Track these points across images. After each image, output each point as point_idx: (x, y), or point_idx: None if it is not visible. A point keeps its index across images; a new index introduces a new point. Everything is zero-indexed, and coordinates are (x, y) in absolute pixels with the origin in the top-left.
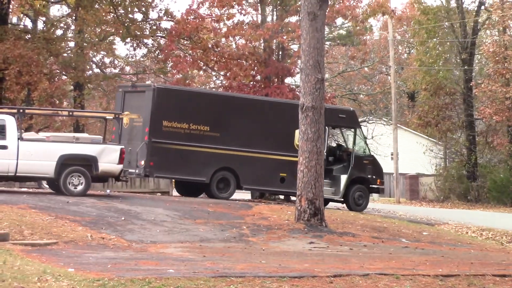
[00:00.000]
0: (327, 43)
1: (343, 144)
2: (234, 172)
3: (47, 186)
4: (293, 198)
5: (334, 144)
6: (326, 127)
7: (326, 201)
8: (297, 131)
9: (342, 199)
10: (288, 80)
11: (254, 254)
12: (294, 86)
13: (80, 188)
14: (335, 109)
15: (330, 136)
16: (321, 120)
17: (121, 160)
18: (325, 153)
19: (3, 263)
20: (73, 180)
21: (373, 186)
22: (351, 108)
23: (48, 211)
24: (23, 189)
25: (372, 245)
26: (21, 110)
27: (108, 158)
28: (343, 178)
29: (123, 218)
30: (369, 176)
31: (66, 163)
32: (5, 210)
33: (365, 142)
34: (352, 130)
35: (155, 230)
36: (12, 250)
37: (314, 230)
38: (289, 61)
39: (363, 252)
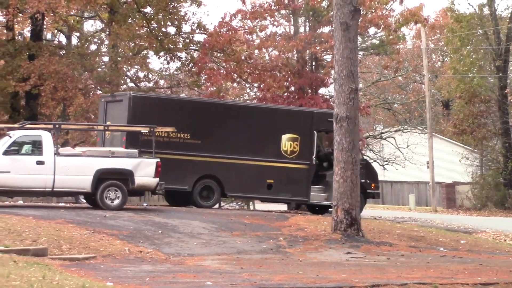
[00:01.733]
0: (360, 52)
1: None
2: (218, 180)
3: (84, 200)
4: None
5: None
6: (315, 132)
7: (325, 208)
8: (283, 137)
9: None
10: (321, 90)
11: (292, 265)
12: (328, 97)
13: (117, 202)
14: (324, 113)
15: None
16: (356, 130)
17: (157, 173)
18: (314, 158)
19: (42, 278)
20: (109, 194)
21: (368, 191)
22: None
23: (85, 226)
24: (60, 204)
25: (410, 254)
26: (57, 126)
27: (144, 171)
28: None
29: (160, 231)
30: (362, 180)
31: (102, 177)
32: (43, 225)
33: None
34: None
35: (192, 243)
36: (51, 265)
37: (351, 240)
38: (322, 71)
39: (400, 262)
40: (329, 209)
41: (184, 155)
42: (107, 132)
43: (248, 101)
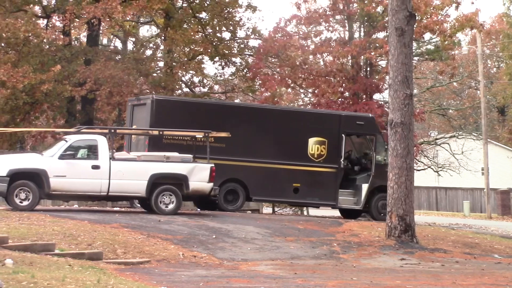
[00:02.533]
0: (415, 58)
1: (368, 152)
2: (243, 183)
3: (138, 205)
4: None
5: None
6: (343, 135)
7: (355, 213)
8: (310, 140)
9: (362, 209)
10: (376, 96)
11: (345, 271)
12: (382, 102)
13: (171, 206)
14: (353, 116)
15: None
16: (410, 136)
17: (211, 178)
18: (342, 162)
19: (97, 282)
20: (164, 199)
21: None
22: (370, 115)
23: (140, 230)
24: (115, 209)
25: (464, 261)
26: (112, 130)
27: (199, 176)
28: (364, 187)
29: (214, 236)
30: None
31: (157, 182)
32: (98, 230)
33: (386, 150)
34: (372, 137)
35: (246, 248)
36: (105, 269)
37: (405, 246)
38: (377, 77)
39: (455, 268)
40: (362, 214)
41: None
42: (133, 136)
43: (280, 105)
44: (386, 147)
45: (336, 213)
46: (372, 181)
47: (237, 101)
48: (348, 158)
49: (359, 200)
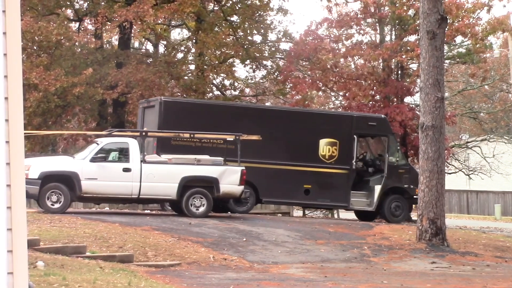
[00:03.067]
0: (447, 61)
1: (383, 153)
2: (252, 185)
3: (169, 207)
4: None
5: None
6: (355, 136)
7: (371, 215)
8: (321, 141)
9: (375, 210)
10: (407, 99)
11: (376, 274)
12: (413, 105)
13: (202, 209)
14: (365, 117)
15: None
16: (442, 139)
17: (242, 181)
18: (354, 163)
19: (128, 285)
20: (195, 201)
21: (412, 196)
22: (383, 116)
23: (171, 233)
24: (146, 211)
25: (495, 264)
26: (143, 133)
27: (229, 179)
28: (377, 189)
29: (244, 239)
30: (405, 185)
31: (188, 184)
32: (129, 232)
33: (399, 150)
34: (385, 138)
35: (277, 251)
36: (136, 271)
37: (436, 249)
38: (408, 80)
39: (486, 272)
40: (378, 216)
41: None
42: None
43: (288, 105)
44: (398, 148)
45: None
46: (385, 183)
47: (267, 104)
48: (363, 159)
49: (372, 202)
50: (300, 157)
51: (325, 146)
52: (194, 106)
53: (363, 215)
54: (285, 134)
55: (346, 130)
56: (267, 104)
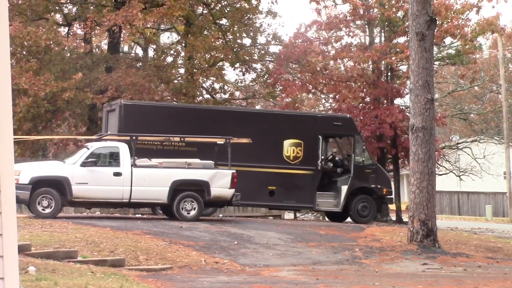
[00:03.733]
0: (436, 62)
1: (352, 154)
2: None
3: (160, 211)
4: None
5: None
6: (319, 136)
7: (341, 216)
8: (286, 142)
9: (341, 211)
10: (397, 101)
11: (367, 276)
12: (403, 107)
13: (193, 213)
14: (330, 117)
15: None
16: (432, 140)
17: (232, 185)
18: (320, 163)
19: None
20: (186, 205)
21: (380, 196)
22: (348, 115)
23: (162, 237)
24: (137, 215)
25: (487, 265)
26: (133, 137)
27: (220, 182)
28: (344, 189)
29: (236, 242)
30: (372, 185)
31: (178, 188)
32: (120, 236)
33: (366, 150)
34: (351, 138)
35: (268, 254)
36: (128, 275)
37: (427, 251)
38: (398, 82)
39: (477, 273)
40: (348, 217)
41: None
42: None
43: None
44: (364, 147)
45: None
46: (352, 183)
47: (258, 107)
48: (332, 159)
49: (339, 202)
50: (264, 159)
51: (289, 147)
52: (154, 109)
53: (333, 216)
54: (248, 135)
55: (310, 130)
56: (234, 106)
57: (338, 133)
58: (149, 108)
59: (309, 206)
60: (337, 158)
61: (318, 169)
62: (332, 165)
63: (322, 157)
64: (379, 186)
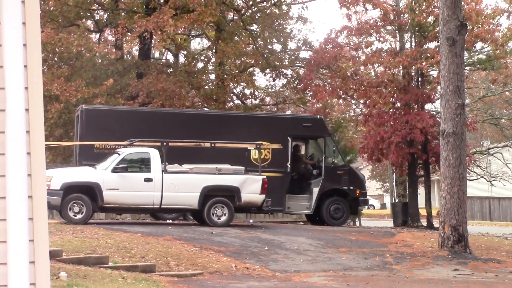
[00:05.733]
0: (467, 68)
1: (323, 155)
2: None
3: (191, 217)
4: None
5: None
6: (289, 138)
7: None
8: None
9: (312, 213)
10: (428, 106)
11: (398, 282)
12: (434, 112)
13: (223, 218)
14: (299, 118)
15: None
16: (463, 146)
17: (263, 190)
18: (289, 166)
19: None
20: (216, 211)
21: (353, 198)
22: (318, 116)
23: (193, 242)
24: (168, 221)
25: None
26: (164, 143)
27: (251, 188)
28: (315, 192)
29: (266, 248)
30: (345, 187)
31: (209, 194)
32: (151, 242)
33: (337, 151)
34: (321, 139)
35: (299, 259)
36: (159, 281)
37: (458, 257)
38: (428, 87)
39: (509, 279)
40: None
41: None
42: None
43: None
44: (334, 149)
45: (389, 223)
46: (323, 185)
47: (288, 112)
48: (312, 161)
49: (311, 205)
50: (231, 162)
51: (255, 150)
52: (115, 113)
53: (313, 219)
54: (215, 138)
55: (279, 132)
56: (206, 109)
57: (308, 134)
58: (111, 113)
59: (278, 209)
60: (314, 160)
61: (287, 172)
62: (310, 167)
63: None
64: (352, 188)
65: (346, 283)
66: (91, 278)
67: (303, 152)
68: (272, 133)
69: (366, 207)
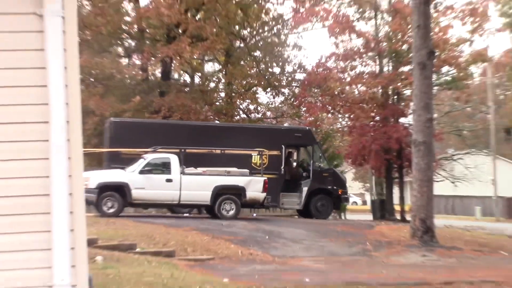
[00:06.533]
0: (435, 87)
1: (311, 160)
2: None
3: (205, 211)
4: None
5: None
6: (282, 146)
7: (307, 212)
8: (254, 151)
9: (302, 209)
10: (402, 119)
11: (376, 266)
12: (407, 125)
13: (231, 212)
14: (291, 129)
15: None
16: (431, 153)
17: (264, 189)
18: (283, 169)
19: (170, 276)
20: (225, 206)
21: (336, 196)
22: (307, 127)
23: (206, 232)
24: (185, 215)
25: (477, 257)
26: (182, 150)
27: (254, 187)
28: (304, 190)
29: (267, 237)
30: (329, 187)
31: (220, 192)
32: (172, 232)
33: (323, 157)
34: (310, 147)
35: (296, 247)
36: (177, 264)
37: (427, 245)
38: (402, 103)
39: (468, 263)
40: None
41: None
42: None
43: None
44: (321, 155)
45: (370, 217)
46: (311, 185)
47: (286, 124)
48: (300, 165)
49: (301, 202)
50: (236, 166)
51: (257, 156)
52: (139, 124)
53: (301, 213)
54: (224, 146)
55: (275, 141)
56: (216, 122)
57: (299, 143)
58: (135, 124)
59: (274, 205)
60: (304, 164)
61: (282, 174)
62: (301, 170)
63: (295, 163)
64: (335, 187)
65: (333, 266)
66: (123, 262)
67: (295, 157)
68: (269, 142)
69: (349, 203)
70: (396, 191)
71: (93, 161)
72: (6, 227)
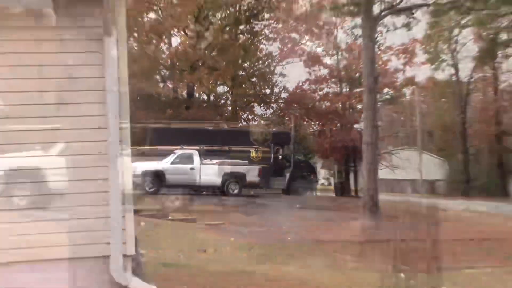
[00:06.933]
0: (379, 103)
1: (292, 155)
2: None
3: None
4: None
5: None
6: (272, 144)
7: (288, 190)
8: (251, 148)
9: (285, 189)
10: (356, 126)
11: (336, 227)
12: (360, 129)
13: (236, 191)
14: (277, 132)
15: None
16: (376, 150)
17: (259, 175)
18: (272, 161)
19: (193, 236)
20: (232, 186)
21: (310, 180)
22: (288, 131)
23: (218, 205)
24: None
25: (408, 222)
26: (201, 147)
27: (252, 174)
28: (287, 176)
29: (261, 209)
30: (305, 173)
31: (227, 177)
32: (194, 204)
33: (300, 152)
34: (290, 145)
35: (281, 214)
36: (200, 228)
37: (374, 213)
38: (356, 114)
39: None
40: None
41: None
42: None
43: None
44: (296, 152)
45: (333, 194)
46: (292, 172)
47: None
48: (284, 158)
49: (284, 184)
50: (240, 158)
51: (254, 151)
52: (171, 130)
53: (286, 191)
54: (230, 144)
55: (266, 141)
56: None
57: (283, 142)
58: (167, 129)
59: (266, 186)
60: (287, 157)
61: (271, 164)
62: (285, 161)
63: (280, 156)
64: (309, 173)
65: (304, 228)
66: (160, 226)
67: (280, 152)
68: (261, 141)
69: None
70: (351, 176)
71: (138, 155)
72: (81, 213)
